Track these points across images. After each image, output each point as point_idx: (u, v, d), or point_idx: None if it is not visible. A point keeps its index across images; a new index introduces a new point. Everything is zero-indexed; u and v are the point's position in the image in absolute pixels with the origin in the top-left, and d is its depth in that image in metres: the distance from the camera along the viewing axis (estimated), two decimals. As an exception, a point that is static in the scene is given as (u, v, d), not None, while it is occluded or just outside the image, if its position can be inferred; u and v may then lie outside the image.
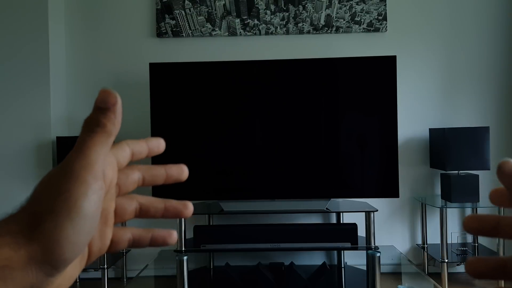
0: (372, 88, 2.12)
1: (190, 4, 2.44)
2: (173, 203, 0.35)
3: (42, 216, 0.28)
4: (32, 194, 0.30)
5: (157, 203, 0.35)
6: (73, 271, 0.31)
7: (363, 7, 2.41)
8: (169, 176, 0.35)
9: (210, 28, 2.44)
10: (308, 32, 2.43)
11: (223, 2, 2.44)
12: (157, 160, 2.21)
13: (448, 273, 2.18)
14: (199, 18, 2.44)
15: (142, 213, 0.35)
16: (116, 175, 0.33)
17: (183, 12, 2.44)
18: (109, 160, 0.32)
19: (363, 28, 2.42)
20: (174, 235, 0.35)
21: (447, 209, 2.24)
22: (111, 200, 0.33)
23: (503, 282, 2.13)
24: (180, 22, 2.44)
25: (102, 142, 0.30)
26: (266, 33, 2.44)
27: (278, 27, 2.43)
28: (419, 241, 2.45)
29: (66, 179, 0.28)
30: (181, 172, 0.36)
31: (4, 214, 0.30)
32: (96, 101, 0.31)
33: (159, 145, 0.35)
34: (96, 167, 0.29)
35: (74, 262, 0.30)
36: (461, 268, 2.43)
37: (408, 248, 2.47)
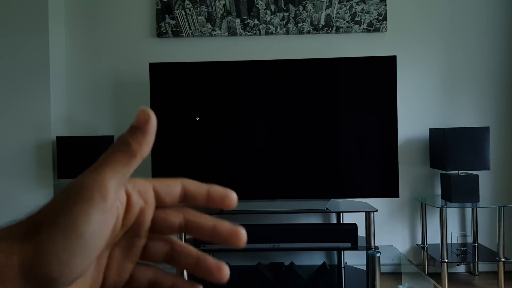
0: (372, 88, 2.12)
1: (190, 4, 2.44)
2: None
3: (40, 226, 0.26)
4: (46, 203, 0.28)
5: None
6: None
7: (363, 7, 2.41)
8: (217, 233, 0.30)
9: (210, 28, 2.44)
10: (308, 32, 2.43)
11: (223, 2, 2.44)
12: (158, 160, 2.22)
13: (448, 273, 2.18)
14: (199, 18, 2.44)
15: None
16: (151, 209, 0.30)
17: (183, 12, 2.44)
18: (139, 187, 0.30)
19: (363, 28, 2.42)
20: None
21: (447, 209, 2.24)
22: (137, 236, 0.30)
23: (503, 282, 2.10)
24: (180, 22, 2.45)
25: (123, 161, 0.28)
26: (266, 33, 2.44)
27: (278, 27, 2.43)
28: (419, 241, 2.45)
29: (73, 193, 0.26)
30: (236, 238, 0.30)
31: (13, 220, 0.30)
32: (143, 123, 0.29)
33: (225, 199, 0.31)
34: (107, 186, 0.27)
35: None
36: (461, 268, 2.43)
37: (408, 248, 2.47)
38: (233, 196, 0.31)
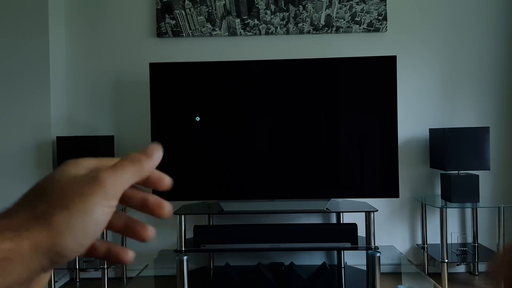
0: (372, 88, 2.12)
1: (190, 4, 2.44)
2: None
3: (54, 210, 0.29)
4: (36, 190, 0.31)
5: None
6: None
7: (363, 7, 2.41)
8: (145, 203, 0.35)
9: (210, 28, 2.44)
10: (308, 32, 2.43)
11: (223, 2, 2.44)
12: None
13: (448, 273, 2.18)
14: (199, 18, 2.44)
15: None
16: None
17: (183, 12, 2.44)
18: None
19: (363, 28, 2.42)
20: (129, 255, 0.35)
21: (447, 209, 2.24)
22: None
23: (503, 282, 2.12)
24: (180, 22, 2.45)
25: (135, 174, 0.33)
26: (266, 33, 2.44)
27: (278, 27, 2.43)
28: (419, 241, 2.45)
29: (92, 185, 0.30)
30: (160, 209, 0.35)
31: (2, 209, 0.30)
32: (146, 150, 0.35)
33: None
34: (121, 188, 0.32)
35: None
36: (461, 268, 2.43)
37: (408, 248, 2.47)
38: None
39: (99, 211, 0.30)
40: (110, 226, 0.34)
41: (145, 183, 0.36)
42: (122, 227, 0.35)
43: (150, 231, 0.35)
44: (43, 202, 0.30)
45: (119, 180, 0.32)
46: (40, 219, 0.28)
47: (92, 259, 2.31)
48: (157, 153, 0.35)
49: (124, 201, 0.35)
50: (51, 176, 0.32)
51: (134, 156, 0.34)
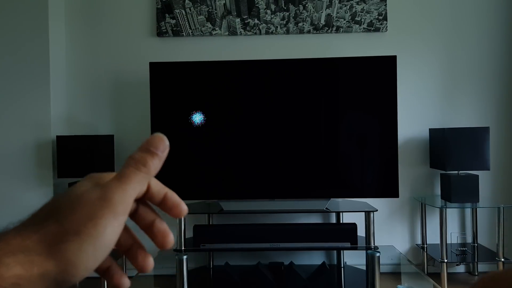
0: (372, 88, 2.12)
1: (191, 3, 2.44)
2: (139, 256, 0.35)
3: (66, 235, 0.28)
4: (52, 204, 0.30)
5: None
6: None
7: (363, 7, 2.41)
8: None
9: (210, 28, 2.44)
10: (309, 31, 2.43)
11: (224, 1, 2.44)
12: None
13: (448, 273, 2.18)
14: (199, 17, 2.44)
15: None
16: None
17: (183, 11, 2.44)
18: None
19: (364, 28, 2.42)
20: (125, 284, 0.35)
21: (447, 209, 2.24)
22: None
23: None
24: (180, 22, 2.44)
25: (142, 181, 0.32)
26: (267, 33, 2.44)
27: (279, 27, 2.43)
28: (419, 241, 2.45)
29: (102, 206, 0.30)
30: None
31: (16, 222, 0.30)
32: (147, 142, 0.33)
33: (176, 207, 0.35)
34: (130, 202, 0.31)
35: None
36: (460, 268, 2.43)
37: (408, 248, 2.47)
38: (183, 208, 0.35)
39: (109, 231, 0.30)
40: (116, 245, 0.34)
41: (161, 206, 0.35)
42: (126, 250, 0.35)
43: (150, 264, 0.35)
44: (55, 221, 0.29)
45: (128, 194, 0.31)
46: (52, 246, 0.28)
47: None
48: (163, 146, 0.33)
49: (134, 218, 0.34)
50: (70, 190, 0.31)
51: (138, 158, 0.32)
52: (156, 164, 0.33)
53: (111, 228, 0.30)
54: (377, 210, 2.06)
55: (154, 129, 2.12)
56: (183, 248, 2.03)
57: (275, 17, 2.43)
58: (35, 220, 0.29)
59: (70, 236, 0.28)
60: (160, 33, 2.45)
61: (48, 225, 0.29)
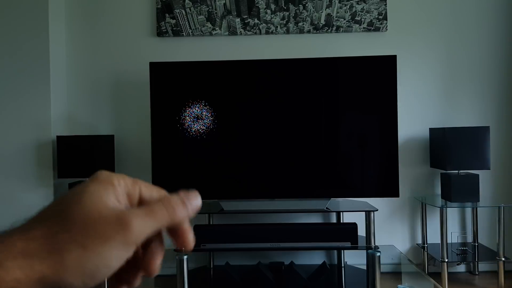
0: (372, 87, 2.12)
1: (191, 3, 2.44)
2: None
3: (71, 244, 0.28)
4: (62, 204, 0.30)
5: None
6: None
7: (363, 7, 2.41)
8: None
9: (210, 28, 2.44)
10: (309, 31, 2.43)
11: (224, 1, 2.44)
12: (158, 159, 2.21)
13: (448, 273, 2.18)
14: (199, 17, 2.44)
15: None
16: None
17: (183, 11, 2.44)
18: (128, 189, 0.34)
19: (364, 28, 2.42)
20: None
21: (447, 208, 2.24)
22: None
23: (503, 281, 2.10)
24: (180, 21, 2.44)
25: (164, 222, 0.32)
26: (267, 33, 2.44)
27: (279, 27, 2.43)
28: (419, 241, 2.45)
29: (118, 228, 0.29)
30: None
31: (21, 221, 0.29)
32: (185, 194, 0.33)
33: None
34: (143, 236, 0.30)
35: None
36: (461, 268, 2.43)
37: (408, 247, 2.47)
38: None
39: (115, 256, 0.29)
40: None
41: (169, 233, 0.35)
42: (120, 270, 0.34)
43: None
44: (63, 226, 0.28)
45: (147, 229, 0.30)
46: (55, 253, 0.28)
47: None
48: (196, 205, 0.34)
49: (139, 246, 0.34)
50: (81, 191, 0.30)
51: (170, 200, 0.32)
52: (182, 215, 0.33)
53: (117, 253, 0.29)
54: (377, 210, 2.06)
55: (154, 129, 2.12)
56: (183, 248, 2.03)
57: (275, 17, 2.43)
58: (45, 217, 0.29)
59: (75, 245, 0.28)
60: (160, 33, 2.45)
61: (56, 227, 0.28)
